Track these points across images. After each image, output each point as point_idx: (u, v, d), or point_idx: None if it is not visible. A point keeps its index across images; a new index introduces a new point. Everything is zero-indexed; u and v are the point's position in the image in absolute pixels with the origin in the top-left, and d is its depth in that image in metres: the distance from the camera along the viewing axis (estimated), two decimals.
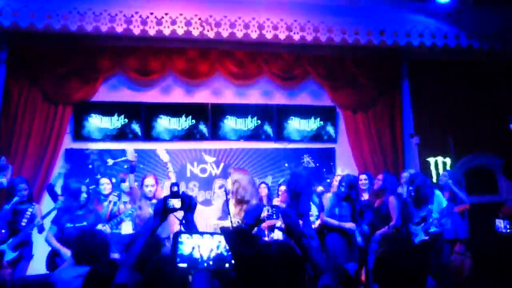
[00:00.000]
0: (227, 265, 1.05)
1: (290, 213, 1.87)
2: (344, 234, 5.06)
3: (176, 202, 1.98)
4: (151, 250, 2.26)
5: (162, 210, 1.99)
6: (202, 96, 6.77)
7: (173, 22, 6.03)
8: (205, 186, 6.52)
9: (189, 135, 6.60)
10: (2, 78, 6.23)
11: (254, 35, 6.14)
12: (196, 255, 1.29)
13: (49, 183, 5.54)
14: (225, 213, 4.38)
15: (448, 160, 7.18)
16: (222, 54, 6.67)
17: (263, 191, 5.80)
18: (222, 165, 6.60)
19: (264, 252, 0.96)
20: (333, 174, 6.40)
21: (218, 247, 1.24)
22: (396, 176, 6.05)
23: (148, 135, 6.52)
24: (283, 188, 5.41)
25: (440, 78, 7.35)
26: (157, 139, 6.55)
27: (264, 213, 2.32)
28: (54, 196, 5.31)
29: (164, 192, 4.92)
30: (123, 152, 6.43)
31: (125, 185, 5.24)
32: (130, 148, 5.23)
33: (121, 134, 6.50)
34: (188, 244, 1.25)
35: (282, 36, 6.20)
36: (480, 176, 7.51)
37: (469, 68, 7.37)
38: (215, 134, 6.66)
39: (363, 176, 5.96)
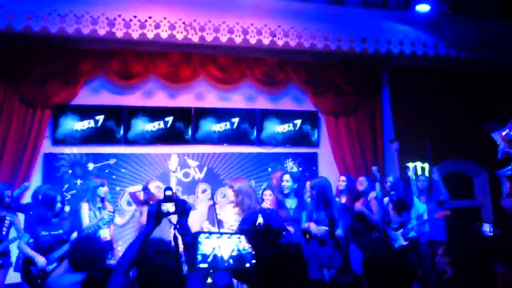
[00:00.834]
0: (247, 264, 1.06)
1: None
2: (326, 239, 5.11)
3: (170, 207, 1.97)
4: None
5: (156, 214, 1.98)
6: (185, 100, 6.74)
7: (157, 26, 5.98)
8: (188, 190, 6.48)
9: (172, 139, 6.55)
10: None
11: (238, 40, 6.16)
12: (217, 255, 1.29)
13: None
14: (212, 219, 4.43)
15: (426, 165, 7.34)
16: (206, 58, 6.67)
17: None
18: (205, 169, 6.59)
19: (285, 251, 0.99)
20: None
21: (238, 247, 1.24)
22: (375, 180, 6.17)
23: (130, 139, 6.44)
24: (268, 192, 5.43)
25: (420, 85, 7.54)
26: (139, 143, 6.48)
27: (260, 219, 2.33)
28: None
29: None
30: (103, 156, 6.36)
31: (103, 190, 5.18)
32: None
33: (102, 138, 6.39)
34: (208, 245, 1.25)
35: (266, 41, 6.24)
36: (457, 181, 7.73)
37: (448, 76, 7.59)
38: (198, 138, 6.64)
39: (342, 178, 6.05)
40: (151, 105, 6.59)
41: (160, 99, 6.68)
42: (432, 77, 7.52)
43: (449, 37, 6.71)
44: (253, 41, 6.22)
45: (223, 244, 1.25)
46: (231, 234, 1.22)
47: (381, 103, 7.41)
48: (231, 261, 1.15)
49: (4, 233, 4.68)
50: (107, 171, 6.32)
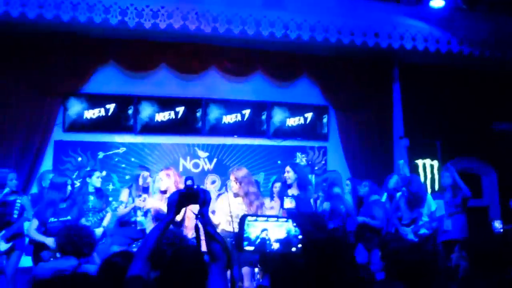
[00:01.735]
0: (293, 248, 1.05)
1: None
2: None
3: (191, 197, 1.96)
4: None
5: (177, 204, 1.97)
6: (196, 90, 6.72)
7: (169, 16, 5.96)
8: (198, 181, 6.47)
9: (182, 129, 6.54)
10: None
11: (250, 32, 6.14)
12: (264, 238, 1.28)
13: None
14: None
15: (435, 163, 7.33)
16: (218, 49, 6.65)
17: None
18: (215, 160, 6.58)
19: (335, 236, 0.98)
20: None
21: (285, 231, 1.24)
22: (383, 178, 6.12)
23: (140, 128, 6.44)
24: (278, 184, 5.42)
25: (431, 82, 7.49)
26: (148, 132, 6.47)
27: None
28: None
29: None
30: (113, 145, 6.36)
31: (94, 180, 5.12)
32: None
33: (112, 127, 6.39)
34: (255, 228, 1.25)
35: (278, 34, 6.22)
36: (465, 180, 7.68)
37: (459, 73, 7.54)
38: (208, 129, 6.63)
39: (347, 181, 6.02)
40: (161, 95, 6.58)
41: (171, 89, 6.66)
42: (443, 74, 7.47)
43: (462, 34, 6.66)
44: (265, 33, 6.20)
45: (270, 228, 1.25)
46: (278, 218, 1.21)
47: (392, 99, 7.38)
48: (278, 244, 1.15)
49: (15, 216, 4.69)
50: (116, 159, 6.32)
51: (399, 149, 7.30)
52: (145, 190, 4.97)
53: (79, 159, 6.22)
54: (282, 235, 1.21)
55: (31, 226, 4.57)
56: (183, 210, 2.52)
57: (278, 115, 6.90)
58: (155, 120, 6.49)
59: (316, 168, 6.80)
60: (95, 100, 6.34)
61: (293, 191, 5.03)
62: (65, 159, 6.18)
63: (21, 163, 5.93)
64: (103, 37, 6.31)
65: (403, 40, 6.61)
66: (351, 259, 0.86)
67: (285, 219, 1.28)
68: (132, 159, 6.34)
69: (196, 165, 6.57)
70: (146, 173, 5.00)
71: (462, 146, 7.48)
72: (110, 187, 6.11)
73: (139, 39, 6.39)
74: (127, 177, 6.19)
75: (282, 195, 4.98)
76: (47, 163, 6.15)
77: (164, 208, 4.46)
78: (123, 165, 6.31)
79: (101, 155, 6.30)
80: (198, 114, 6.60)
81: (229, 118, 6.71)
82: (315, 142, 7.04)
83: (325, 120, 7.09)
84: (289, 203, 2.60)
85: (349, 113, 7.13)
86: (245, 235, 1.20)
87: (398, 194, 5.60)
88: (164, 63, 6.59)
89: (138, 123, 6.44)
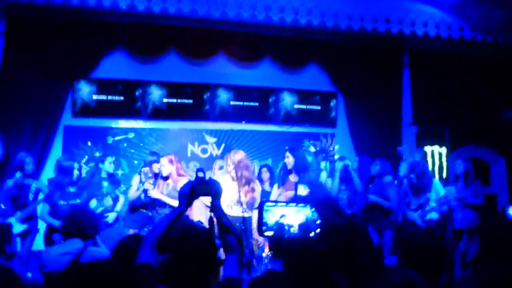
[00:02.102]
0: (312, 233, 1.06)
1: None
2: None
3: (203, 189, 1.94)
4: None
5: (188, 195, 1.95)
6: (204, 75, 6.71)
7: (179, 0, 5.93)
8: (206, 166, 6.48)
9: (190, 114, 6.55)
10: (0, 50, 6.07)
11: (260, 16, 6.09)
12: (283, 223, 1.30)
13: None
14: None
15: (443, 150, 7.30)
16: (226, 34, 6.60)
17: (265, 175, 5.83)
18: (223, 145, 6.59)
19: (353, 221, 0.99)
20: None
21: (305, 217, 1.25)
22: (392, 163, 6.12)
23: (149, 113, 6.45)
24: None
25: (441, 69, 7.41)
26: (157, 117, 6.49)
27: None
28: None
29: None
30: (122, 130, 6.39)
31: (156, 166, 5.10)
32: None
33: (121, 112, 6.41)
34: (275, 213, 1.26)
35: (288, 19, 6.16)
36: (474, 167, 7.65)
37: (469, 61, 7.45)
38: (217, 114, 6.63)
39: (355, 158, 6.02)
40: (170, 80, 6.57)
41: (179, 74, 6.65)
42: (454, 61, 7.38)
43: (475, 20, 6.56)
44: (275, 18, 6.15)
45: (290, 213, 1.26)
46: (297, 203, 1.22)
47: (401, 86, 7.32)
48: (296, 230, 1.16)
49: (30, 199, 4.75)
50: (125, 145, 6.36)
51: (408, 136, 7.27)
52: (156, 176, 5.01)
53: (89, 143, 6.26)
54: (300, 220, 1.21)
55: (42, 210, 4.64)
56: None
57: (286, 101, 6.87)
58: (164, 105, 6.49)
59: (330, 154, 6.77)
60: (104, 85, 6.35)
61: (294, 176, 5.03)
62: (74, 144, 6.20)
63: (32, 147, 5.97)
64: (112, 22, 6.29)
65: (414, 26, 6.54)
66: (369, 243, 0.87)
67: (303, 205, 1.29)
68: (141, 144, 6.38)
69: (204, 151, 6.59)
70: (155, 165, 4.98)
71: (471, 134, 7.43)
72: (119, 172, 6.15)
73: (148, 23, 6.36)
74: (136, 162, 6.23)
75: (283, 180, 4.99)
76: (57, 148, 6.19)
77: (165, 200, 4.50)
78: (132, 150, 6.35)
79: (110, 140, 6.33)
80: (206, 99, 6.60)
81: (237, 104, 6.69)
82: (323, 129, 7.03)
83: (333, 106, 7.06)
84: (303, 190, 2.61)
85: (358, 100, 7.09)
86: (263, 221, 1.21)
87: (405, 180, 5.60)
88: (173, 48, 6.57)
89: (146, 108, 6.45)
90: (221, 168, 6.43)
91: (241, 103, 6.71)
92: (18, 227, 4.65)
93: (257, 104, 6.76)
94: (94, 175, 5.18)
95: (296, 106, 6.90)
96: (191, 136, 6.56)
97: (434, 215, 5.16)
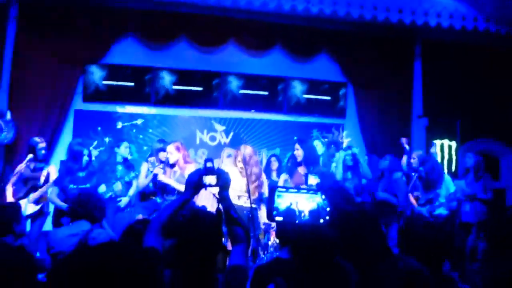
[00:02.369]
0: (321, 220, 1.07)
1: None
2: None
3: (211, 179, 1.93)
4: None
5: (196, 184, 1.93)
6: (214, 63, 6.70)
7: None
8: (214, 154, 6.52)
9: (200, 102, 6.56)
10: (13, 35, 6.11)
11: (272, 5, 6.04)
12: (294, 210, 1.30)
13: None
14: None
15: (454, 144, 7.23)
16: (237, 22, 6.57)
17: (274, 164, 5.84)
18: (231, 134, 6.61)
19: (363, 209, 1.00)
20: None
21: (315, 203, 1.26)
22: (400, 156, 6.09)
23: (158, 99, 6.47)
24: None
25: (453, 61, 7.32)
26: (166, 104, 6.51)
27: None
28: None
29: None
30: (132, 115, 6.43)
31: (164, 154, 5.11)
32: None
33: (131, 98, 6.44)
34: (286, 199, 1.27)
35: (300, 7, 6.11)
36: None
37: (482, 52, 7.33)
38: (226, 102, 6.63)
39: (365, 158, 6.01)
40: (180, 67, 6.58)
41: (189, 61, 6.65)
42: (467, 52, 7.28)
43: (489, 11, 6.44)
44: (287, 7, 6.10)
45: (300, 200, 1.26)
46: (308, 190, 1.22)
47: (412, 77, 7.25)
48: (307, 216, 1.16)
49: (41, 183, 4.83)
50: (134, 130, 6.40)
51: (418, 129, 7.22)
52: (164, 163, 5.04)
53: (99, 128, 6.30)
54: (311, 207, 1.22)
55: (52, 193, 4.71)
56: None
57: (295, 90, 6.85)
58: (173, 92, 6.50)
59: (342, 146, 6.73)
60: (114, 71, 6.37)
61: (303, 169, 5.04)
62: (84, 129, 6.26)
63: (43, 131, 6.03)
64: (123, 8, 6.29)
65: (427, 16, 6.44)
66: (379, 231, 0.87)
67: (314, 192, 1.29)
68: (150, 130, 6.41)
69: (212, 138, 6.61)
70: (162, 153, 4.98)
71: (482, 127, 7.35)
72: (129, 157, 6.18)
73: (159, 10, 6.35)
74: (145, 148, 6.28)
75: (291, 172, 4.99)
76: (67, 132, 6.25)
77: (174, 185, 4.53)
78: (141, 136, 6.39)
79: (119, 125, 6.37)
80: (216, 87, 6.59)
81: (247, 92, 6.68)
82: (332, 119, 7.00)
83: (343, 96, 7.02)
84: (313, 180, 2.62)
85: (368, 90, 7.04)
86: (274, 206, 1.22)
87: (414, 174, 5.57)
88: (184, 35, 6.55)
89: (156, 94, 6.46)
90: (229, 156, 6.45)
91: (250, 91, 6.69)
92: (31, 208, 4.74)
93: (266, 93, 6.74)
94: (109, 158, 5.24)
95: (305, 95, 6.88)
96: (200, 123, 6.58)
97: (442, 211, 5.13)
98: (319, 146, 5.86)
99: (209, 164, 1.93)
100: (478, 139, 7.43)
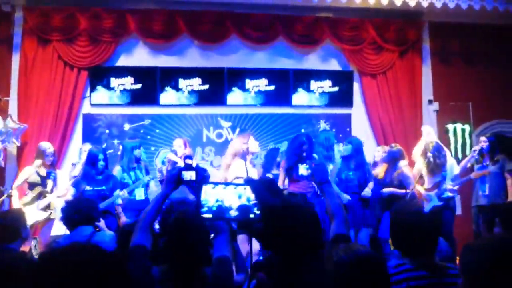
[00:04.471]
0: (251, 215, 1.05)
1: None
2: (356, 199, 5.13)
3: (191, 174, 2.02)
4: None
5: (176, 180, 2.02)
6: (218, 60, 6.68)
7: None
8: (221, 151, 6.52)
9: (205, 99, 6.55)
10: (19, 42, 6.21)
11: None
12: (222, 206, 1.30)
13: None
14: None
15: (467, 127, 7.07)
16: (240, 17, 6.53)
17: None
18: (238, 130, 6.59)
19: (289, 202, 0.97)
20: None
21: (242, 198, 1.24)
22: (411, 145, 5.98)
23: (164, 99, 6.50)
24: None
25: (462, 42, 7.14)
26: (172, 103, 6.52)
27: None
28: None
29: None
30: (139, 116, 6.48)
31: (138, 151, 5.23)
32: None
33: (138, 99, 6.47)
34: (213, 195, 1.25)
35: None
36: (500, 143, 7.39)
37: (493, 32, 7.13)
38: (231, 98, 6.61)
39: (378, 148, 5.93)
40: (184, 65, 6.58)
41: (194, 59, 6.65)
42: (475, 33, 7.09)
43: None
44: None
45: (229, 195, 1.24)
46: (237, 185, 1.20)
47: (421, 61, 7.09)
48: (236, 212, 1.14)
49: (48, 188, 4.92)
50: (142, 131, 6.45)
51: (428, 114, 7.07)
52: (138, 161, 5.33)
53: (107, 131, 6.38)
54: (240, 202, 1.20)
55: (68, 194, 4.80)
56: None
57: (301, 83, 6.77)
58: (178, 91, 6.51)
59: (340, 135, 6.66)
60: (119, 73, 6.42)
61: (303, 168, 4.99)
62: (93, 132, 6.33)
63: (52, 137, 6.12)
64: (125, 9, 6.32)
65: None
66: (309, 223, 0.83)
67: (243, 186, 1.26)
68: (157, 131, 6.45)
69: (219, 135, 6.61)
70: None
71: (496, 108, 7.17)
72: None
73: (160, 9, 6.36)
74: (153, 148, 6.32)
75: (305, 161, 4.96)
76: (77, 136, 6.33)
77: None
78: (149, 137, 6.43)
79: (127, 127, 6.43)
80: (221, 84, 6.57)
81: (252, 87, 6.64)
82: (339, 109, 6.91)
83: (350, 86, 6.91)
84: (304, 170, 2.59)
85: (375, 78, 6.91)
86: (203, 202, 1.21)
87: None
88: (186, 33, 6.54)
89: (161, 94, 6.48)
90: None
91: (255, 86, 6.65)
92: (39, 215, 4.83)
93: (272, 86, 6.69)
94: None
95: (311, 87, 6.80)
96: (206, 121, 6.58)
97: (449, 194, 5.06)
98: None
99: (188, 161, 2.04)
100: (492, 121, 7.24)
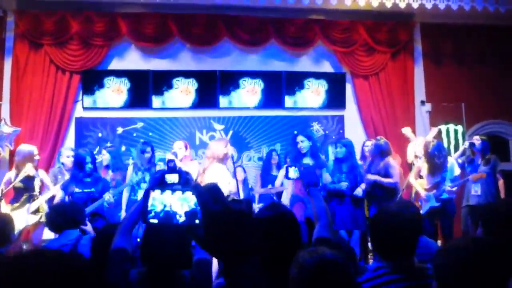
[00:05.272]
0: (197, 221, 1.05)
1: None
2: (348, 201, 5.10)
3: (174, 177, 2.02)
4: None
5: (159, 183, 2.03)
6: (211, 63, 6.69)
7: None
8: None
9: (198, 102, 6.56)
10: (11, 46, 6.21)
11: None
12: (169, 211, 1.30)
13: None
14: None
15: (459, 128, 7.09)
16: (231, 20, 6.55)
17: (275, 158, 5.82)
18: (231, 132, 6.60)
19: (231, 208, 0.97)
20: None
21: (190, 203, 1.25)
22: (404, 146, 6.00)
23: (157, 103, 6.50)
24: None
25: (453, 43, 7.17)
26: (165, 106, 6.53)
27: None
28: None
29: None
30: (132, 120, 6.48)
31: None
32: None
33: (130, 102, 6.48)
34: (160, 200, 1.25)
35: (291, 0, 6.04)
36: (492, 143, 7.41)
37: (484, 33, 7.16)
38: (224, 101, 6.62)
39: (368, 143, 5.92)
40: (176, 68, 6.59)
41: (186, 62, 6.66)
42: (466, 34, 7.12)
43: None
44: (277, 0, 6.04)
45: (176, 200, 1.24)
46: (184, 190, 1.19)
47: (413, 62, 7.12)
48: (183, 217, 1.14)
49: (36, 190, 4.91)
50: (134, 134, 6.45)
51: (421, 115, 7.09)
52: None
53: (100, 134, 6.37)
54: (186, 208, 1.20)
55: (56, 197, 4.77)
56: None
57: (293, 85, 6.78)
58: (171, 94, 6.52)
59: (333, 137, 6.66)
60: (112, 77, 6.42)
61: (308, 160, 4.99)
62: (85, 136, 6.33)
63: (45, 141, 6.12)
64: (117, 13, 6.32)
65: None
66: (251, 230, 0.83)
67: (189, 192, 1.27)
68: (150, 134, 6.45)
69: (212, 138, 6.60)
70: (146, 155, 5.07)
71: (488, 109, 7.19)
72: (130, 161, 6.23)
73: (152, 13, 6.37)
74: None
75: (294, 165, 4.94)
76: (70, 140, 6.33)
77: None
78: (142, 140, 6.40)
79: (120, 130, 6.42)
80: (213, 87, 6.58)
81: (244, 90, 6.65)
82: (332, 111, 6.92)
83: (342, 88, 6.92)
84: (293, 173, 2.59)
85: (368, 79, 6.93)
86: (150, 208, 1.20)
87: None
88: (178, 37, 6.55)
89: (154, 97, 6.49)
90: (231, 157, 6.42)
91: (248, 88, 6.66)
92: (29, 219, 4.81)
93: (264, 89, 6.70)
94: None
95: (304, 89, 6.81)
96: (199, 123, 6.59)
97: (446, 195, 5.05)
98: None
99: (171, 164, 2.01)
100: (485, 122, 7.26)
